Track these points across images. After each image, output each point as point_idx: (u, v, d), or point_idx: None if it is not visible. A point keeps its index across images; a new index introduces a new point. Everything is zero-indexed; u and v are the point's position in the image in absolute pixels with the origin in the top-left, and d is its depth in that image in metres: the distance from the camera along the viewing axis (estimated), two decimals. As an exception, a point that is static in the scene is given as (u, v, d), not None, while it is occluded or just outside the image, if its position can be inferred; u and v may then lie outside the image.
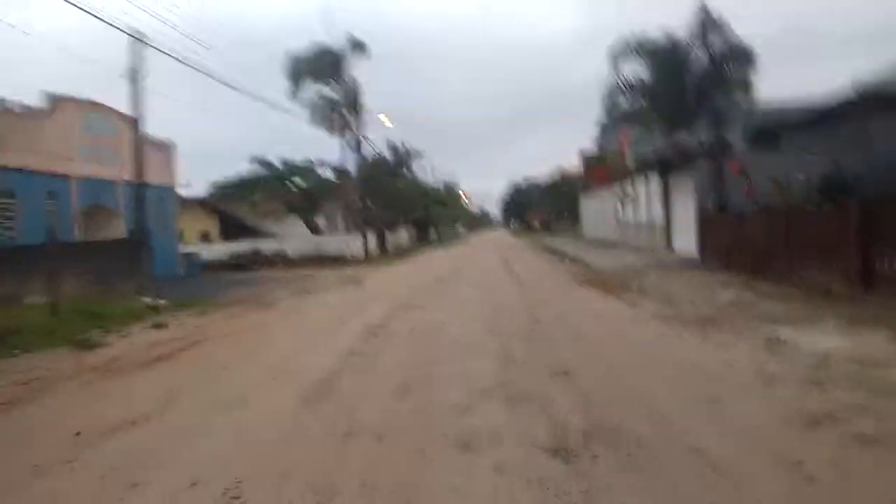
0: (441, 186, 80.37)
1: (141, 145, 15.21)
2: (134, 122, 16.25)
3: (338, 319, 11.36)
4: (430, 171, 69.88)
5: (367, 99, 35.14)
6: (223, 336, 10.10)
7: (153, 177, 21.59)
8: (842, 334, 7.58)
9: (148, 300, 14.08)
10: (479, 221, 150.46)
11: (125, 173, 20.39)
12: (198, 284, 20.43)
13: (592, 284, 14.71)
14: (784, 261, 12.51)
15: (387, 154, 57.49)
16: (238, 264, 30.80)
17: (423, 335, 9.18)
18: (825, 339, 7.37)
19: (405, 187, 53.23)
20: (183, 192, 40.69)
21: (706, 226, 17.26)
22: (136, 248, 15.62)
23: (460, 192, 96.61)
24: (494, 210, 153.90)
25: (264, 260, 31.39)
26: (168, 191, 22.83)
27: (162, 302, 14.13)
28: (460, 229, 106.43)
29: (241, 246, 32.54)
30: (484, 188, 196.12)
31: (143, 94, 15.26)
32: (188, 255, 24.33)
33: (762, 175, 16.44)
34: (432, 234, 63.13)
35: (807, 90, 23.90)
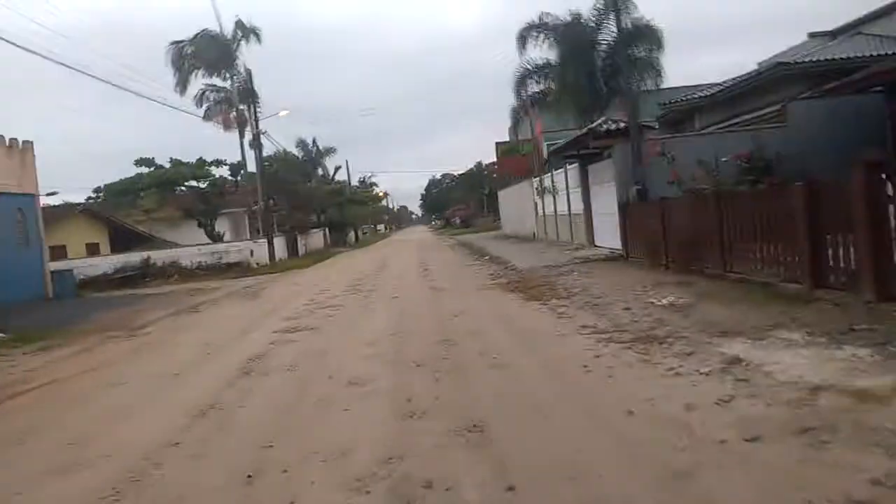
0: (357, 185, 78.01)
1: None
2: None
3: (206, 351, 9.27)
4: (346, 169, 67.49)
5: (277, 98, 32.74)
6: (46, 386, 7.82)
7: (3, 184, 18.60)
8: (812, 351, 6.21)
9: (-21, 335, 11.48)
10: (400, 220, 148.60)
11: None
12: (65, 307, 17.65)
13: (513, 288, 13.16)
14: (717, 252, 11.31)
15: (295, 152, 54.80)
16: (125, 278, 27.72)
17: (305, 373, 7.26)
18: (795, 359, 5.96)
19: (317, 186, 50.69)
20: (50, 200, 37.01)
21: (628, 216, 16.08)
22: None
23: (379, 191, 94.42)
24: (415, 207, 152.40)
25: (156, 272, 28.38)
26: (26, 199, 19.74)
27: (0, 336, 11.55)
28: (380, 229, 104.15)
29: (131, 258, 29.36)
30: (405, 186, 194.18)
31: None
32: (60, 273, 21.25)
33: (682, 158, 15.39)
34: (350, 235, 60.68)
35: (708, 77, 23.28)
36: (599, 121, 17.34)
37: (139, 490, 4.16)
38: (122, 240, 34.29)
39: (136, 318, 14.08)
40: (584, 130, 17.57)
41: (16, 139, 19.56)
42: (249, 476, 4.20)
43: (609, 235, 18.40)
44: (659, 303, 9.68)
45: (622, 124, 16.78)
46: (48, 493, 4.35)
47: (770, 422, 4.48)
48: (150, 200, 33.19)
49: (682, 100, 23.80)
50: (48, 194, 31.93)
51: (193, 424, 5.54)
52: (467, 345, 7.98)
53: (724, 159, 14.76)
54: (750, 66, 24.71)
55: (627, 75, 22.96)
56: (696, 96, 23.28)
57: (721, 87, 22.31)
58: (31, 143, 20.28)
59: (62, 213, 33.99)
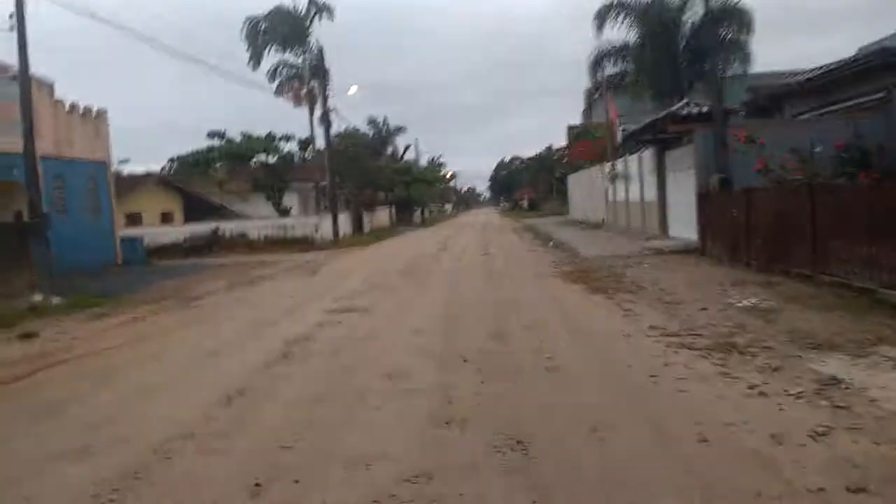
0: (426, 164, 77.76)
1: (28, 105, 12.53)
2: (15, 79, 13.55)
3: (252, 328, 8.95)
4: (415, 148, 67.26)
5: (348, 75, 32.58)
6: (84, 357, 7.65)
7: (77, 150, 19.00)
8: (929, 374, 5.26)
9: (38, 298, 11.60)
10: (467, 201, 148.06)
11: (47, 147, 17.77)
12: (131, 274, 17.95)
13: (577, 278, 12.35)
14: (808, 250, 10.17)
15: (366, 129, 54.83)
16: (194, 247, 28.25)
17: (345, 361, 6.77)
18: (907, 383, 5.05)
19: (385, 164, 50.58)
20: (127, 167, 38.11)
21: (707, 206, 14.90)
22: (27, 233, 13.03)
23: (447, 171, 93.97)
24: (484, 189, 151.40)
25: (224, 243, 28.80)
26: (98, 167, 20.16)
27: (56, 301, 11.65)
28: (447, 209, 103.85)
29: (201, 228, 29.87)
30: (474, 167, 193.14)
31: (27, 46, 12.53)
32: (130, 240, 21.73)
33: (771, 147, 14.09)
34: (416, 214, 60.53)
35: (799, 66, 21.37)
36: (680, 104, 16.14)
37: (136, 491, 3.74)
38: (195, 210, 35.03)
39: (193, 288, 14.06)
40: (663, 114, 16.39)
41: (90, 107, 19.96)
42: (257, 484, 3.72)
43: (684, 226, 17.23)
44: (739, 304, 8.73)
45: (705, 108, 15.54)
46: (48, 481, 4.00)
47: (879, 466, 3.67)
48: (222, 172, 33.70)
49: (771, 86, 22.06)
50: (121, 162, 32.94)
51: (216, 414, 5.13)
52: (521, 340, 7.32)
53: (817, 149, 13.41)
54: (844, 53, 22.67)
55: (713, 57, 21.48)
56: (787, 82, 21.52)
57: (816, 73, 20.52)
58: (106, 111, 20.68)
59: (138, 182, 35.02)
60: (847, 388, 5.05)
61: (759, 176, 12.78)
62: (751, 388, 5.20)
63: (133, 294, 13.29)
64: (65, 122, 18.60)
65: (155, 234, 29.04)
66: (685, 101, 16.31)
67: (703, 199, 15.06)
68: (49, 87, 17.85)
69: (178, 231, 29.87)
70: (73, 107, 19.19)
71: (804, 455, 3.88)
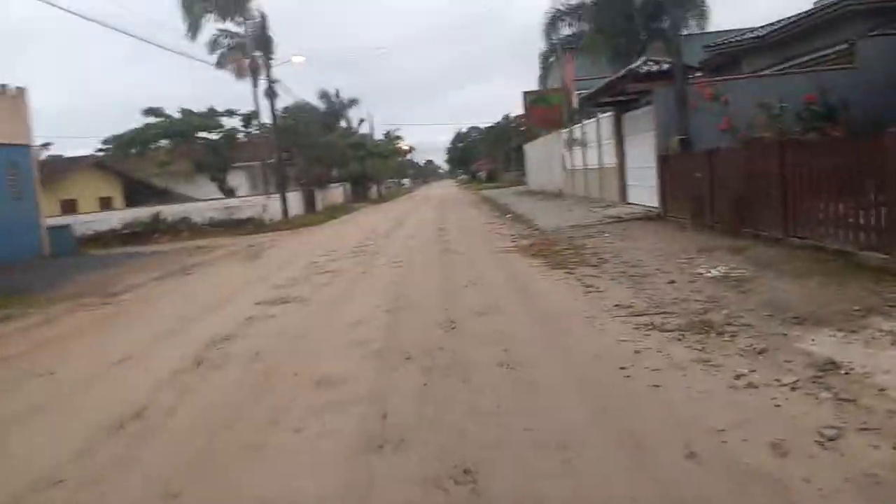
0: (382, 138, 76.06)
1: None
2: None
3: (172, 327, 7.92)
4: (369, 121, 65.59)
5: (296, 46, 30.90)
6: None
7: (-7, 134, 17.37)
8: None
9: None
10: (425, 174, 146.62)
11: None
12: (56, 266, 16.54)
13: (535, 252, 11.56)
14: (779, 213, 9.55)
15: (318, 103, 53.04)
16: (134, 233, 26.69)
17: (268, 365, 5.83)
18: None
19: (337, 139, 48.98)
20: (62, 152, 35.85)
21: (668, 169, 14.26)
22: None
23: (403, 144, 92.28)
24: (442, 161, 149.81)
25: (166, 228, 27.27)
26: (17, 151, 18.49)
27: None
28: (405, 183, 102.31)
29: (141, 213, 28.25)
30: (432, 139, 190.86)
31: None
32: (58, 229, 20.15)
33: (735, 104, 13.46)
34: (372, 190, 59.08)
35: (755, 24, 20.73)
36: (639, 61, 15.36)
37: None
38: (136, 194, 33.21)
39: (120, 281, 12.86)
40: (623, 72, 15.58)
41: (5, 85, 18.22)
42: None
43: (644, 192, 16.61)
44: (709, 274, 8.04)
45: (665, 66, 14.78)
46: None
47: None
48: (163, 153, 31.90)
49: (729, 41, 21.48)
50: (42, 145, 30.80)
51: (97, 448, 4.16)
52: (473, 329, 6.48)
53: (782, 104, 12.82)
54: (802, 7, 22.20)
55: (672, 11, 20.72)
56: (745, 38, 20.96)
57: (774, 27, 19.98)
58: (24, 89, 18.91)
59: (72, 166, 33.01)
60: (847, 373, 4.34)
61: (723, 136, 12.15)
62: (737, 378, 4.46)
63: (50, 291, 12.03)
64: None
65: (90, 221, 27.34)
66: (644, 58, 15.52)
67: (664, 161, 14.40)
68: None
69: (116, 217, 28.18)
70: (-16, 86, 17.47)
71: (815, 470, 3.13)
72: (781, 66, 17.50)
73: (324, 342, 6.48)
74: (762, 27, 21.07)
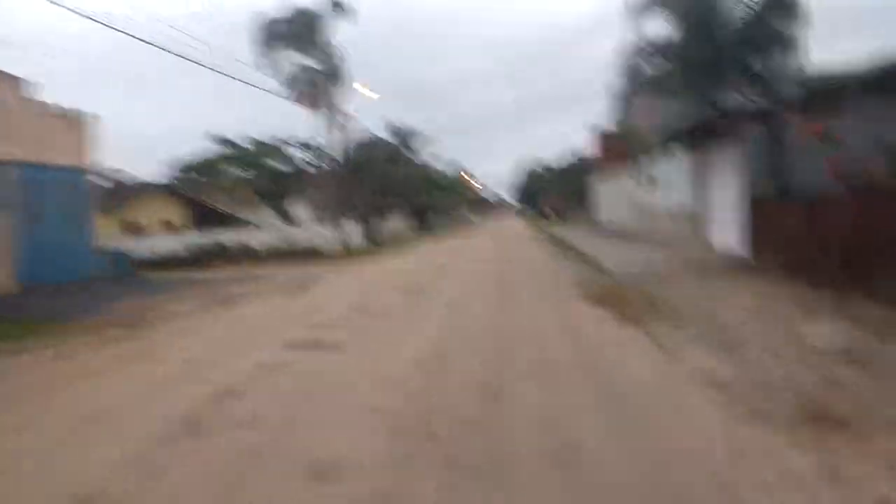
0: (449, 171, 75.83)
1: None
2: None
3: (185, 370, 6.99)
4: (438, 154, 65.43)
5: (371, 82, 30.73)
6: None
7: (55, 155, 17.42)
8: None
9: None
10: (493, 209, 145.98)
11: (17, 150, 16.19)
12: (103, 291, 16.20)
13: (603, 300, 10.18)
14: (900, 271, 7.90)
15: (384, 135, 53.13)
16: (194, 259, 26.66)
17: (260, 440, 4.74)
18: None
19: (405, 171, 48.72)
20: (133, 175, 36.56)
21: (761, 214, 12.64)
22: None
23: (470, 178, 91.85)
24: (509, 196, 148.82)
25: (226, 254, 27.13)
26: (78, 174, 18.51)
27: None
28: (472, 217, 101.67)
29: (203, 238, 28.28)
30: (498, 173, 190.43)
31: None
32: (114, 253, 20.04)
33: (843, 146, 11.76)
34: (437, 222, 58.46)
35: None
36: (730, 98, 13.89)
37: None
38: (203, 219, 33.54)
39: (157, 311, 12.22)
40: (710, 110, 14.12)
41: (72, 110, 18.37)
42: None
43: (729, 238, 14.93)
44: (820, 344, 6.51)
45: (758, 103, 13.24)
46: None
47: None
48: (230, 181, 32.17)
49: (830, 79, 19.59)
50: (113, 171, 31.40)
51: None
52: (520, 400, 5.23)
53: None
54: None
55: (760, 54, 19.09)
56: (849, 75, 19.06)
57: (882, 64, 18.05)
58: (86, 113, 19.04)
59: (141, 190, 33.69)
60: None
61: (825, 180, 10.52)
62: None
63: (84, 317, 11.47)
64: (39, 124, 17.00)
65: (153, 244, 27.56)
66: (735, 94, 14.03)
67: (756, 206, 12.80)
68: (17, 83, 16.28)
69: (179, 241, 28.30)
70: (51, 108, 17.60)
71: None
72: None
73: (340, 407, 5.34)
74: (866, 65, 19.17)
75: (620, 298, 10.19)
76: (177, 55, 17.85)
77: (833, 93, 19.53)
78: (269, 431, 4.79)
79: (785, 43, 21.60)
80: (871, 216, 8.70)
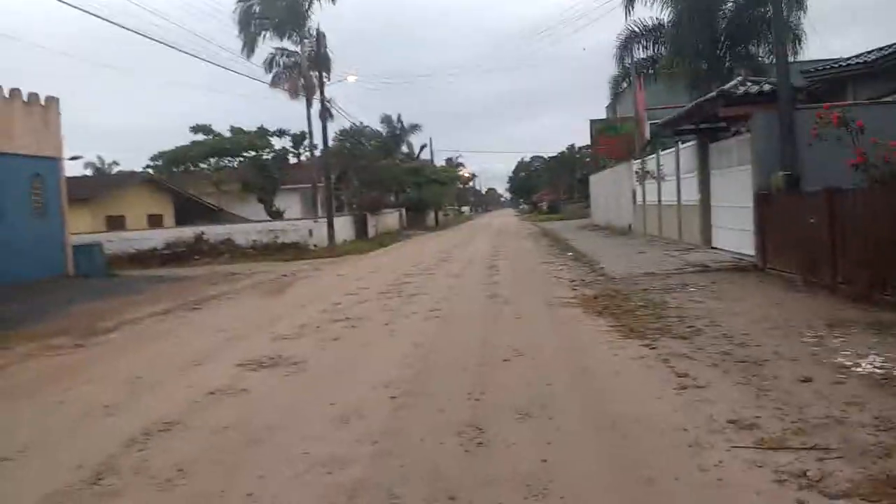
0: (443, 164, 74.78)
1: None
2: None
3: (124, 393, 6.00)
4: (430, 147, 64.43)
5: (360, 72, 29.73)
6: None
7: (17, 144, 16.33)
8: None
9: None
10: (486, 202, 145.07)
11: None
12: (69, 290, 15.18)
13: (602, 308, 9.23)
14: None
15: (380, 128, 52.14)
16: (175, 254, 25.61)
17: (190, 490, 3.77)
18: None
19: (394, 163, 47.66)
20: (111, 166, 35.15)
21: (770, 210, 11.72)
22: None
23: (464, 171, 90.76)
24: (504, 190, 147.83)
25: (208, 249, 26.08)
26: (45, 163, 17.41)
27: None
28: (465, 211, 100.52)
29: (185, 232, 27.21)
30: (494, 167, 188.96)
31: None
32: (86, 248, 18.94)
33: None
34: (430, 216, 57.35)
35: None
36: (734, 82, 12.91)
37: None
38: (187, 212, 32.40)
39: (120, 314, 11.23)
40: (713, 94, 13.14)
41: (36, 94, 17.23)
42: None
43: (734, 236, 14.02)
44: (860, 369, 5.57)
45: (766, 86, 12.28)
46: None
47: None
48: (215, 172, 31.04)
49: (833, 67, 18.67)
50: (71, 158, 30.08)
51: None
52: (506, 444, 4.27)
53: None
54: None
55: (778, 27, 18.17)
56: (852, 63, 18.14)
57: (886, 52, 17.12)
58: (56, 99, 17.91)
59: (123, 181, 32.54)
60: None
61: (843, 172, 9.55)
62: None
63: (36, 323, 10.46)
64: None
65: (133, 239, 26.47)
66: (740, 77, 13.04)
67: (764, 201, 11.86)
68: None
69: (160, 236, 27.21)
70: (13, 94, 16.48)
71: None
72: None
73: (283, 453, 4.36)
74: (869, 52, 18.26)
75: (621, 306, 9.24)
76: (158, 41, 16.71)
77: (834, 82, 18.62)
78: (185, 490, 3.80)
79: (784, 28, 20.72)
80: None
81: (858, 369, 5.54)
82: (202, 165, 27.98)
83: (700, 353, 6.39)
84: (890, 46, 17.34)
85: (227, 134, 28.26)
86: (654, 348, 6.72)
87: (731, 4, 21.92)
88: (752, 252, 12.43)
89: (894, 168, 8.36)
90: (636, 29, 23.74)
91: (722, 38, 22.29)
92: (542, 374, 6.05)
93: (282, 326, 9.26)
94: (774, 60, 16.10)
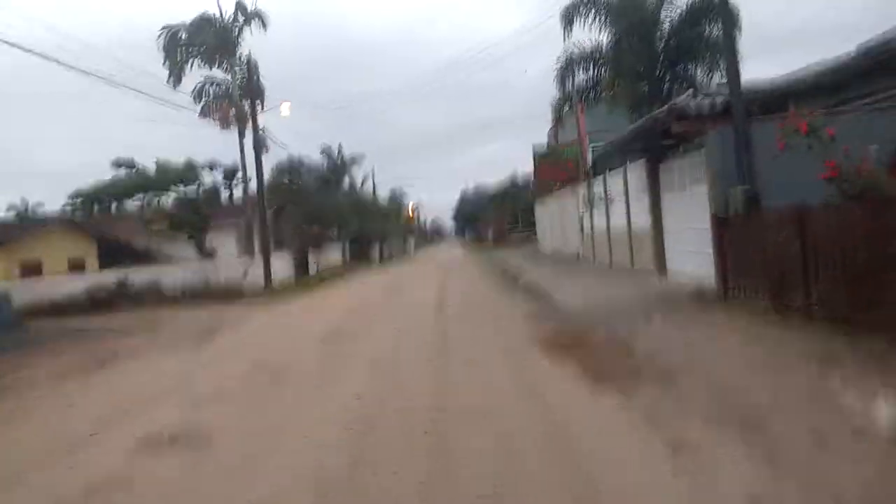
0: (386, 198, 73.68)
1: None
2: None
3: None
4: (372, 179, 63.30)
5: (299, 103, 28.42)
6: None
7: None
8: None
9: None
10: (430, 234, 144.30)
11: None
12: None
13: (564, 350, 8.21)
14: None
15: (320, 159, 50.75)
16: (96, 302, 23.55)
17: None
18: None
19: (336, 198, 46.32)
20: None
21: (730, 231, 11.06)
22: None
23: (409, 204, 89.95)
24: (449, 221, 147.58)
25: (133, 295, 24.10)
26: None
27: None
28: (410, 244, 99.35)
29: (107, 278, 25.16)
30: (438, 198, 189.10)
31: None
32: (-10, 300, 16.95)
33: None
34: (374, 251, 55.93)
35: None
36: (685, 95, 12.34)
37: None
38: (114, 254, 30.17)
39: (9, 375, 9.61)
40: (663, 110, 12.53)
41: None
42: None
43: (691, 260, 13.34)
44: (882, 420, 4.67)
45: (719, 99, 11.71)
46: None
47: None
48: (143, 211, 29.13)
49: (775, 83, 18.58)
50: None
51: None
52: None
53: (874, 147, 9.64)
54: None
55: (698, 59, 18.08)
56: (792, 78, 18.07)
57: (826, 66, 17.09)
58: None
59: (43, 225, 30.23)
60: None
61: (811, 187, 8.91)
62: None
63: None
64: None
65: (49, 286, 24.31)
66: (690, 91, 12.50)
67: (722, 223, 11.18)
68: None
69: (80, 282, 25.08)
70: None
71: None
72: (840, 108, 14.45)
73: None
74: (807, 67, 18.28)
75: (584, 346, 8.26)
76: (82, 70, 15.23)
77: (777, 98, 18.47)
78: None
79: (721, 49, 20.73)
80: (878, 226, 7.08)
81: (881, 421, 4.65)
82: (128, 203, 25.98)
83: (688, 406, 5.41)
84: (831, 61, 17.35)
85: (153, 168, 26.47)
86: (629, 399, 5.71)
87: (667, 25, 21.78)
88: (712, 277, 11.71)
89: (868, 181, 7.70)
90: (576, 50, 23.39)
91: (661, 58, 22.16)
92: (505, 451, 4.94)
93: (195, 391, 7.90)
94: (724, 74, 15.78)
